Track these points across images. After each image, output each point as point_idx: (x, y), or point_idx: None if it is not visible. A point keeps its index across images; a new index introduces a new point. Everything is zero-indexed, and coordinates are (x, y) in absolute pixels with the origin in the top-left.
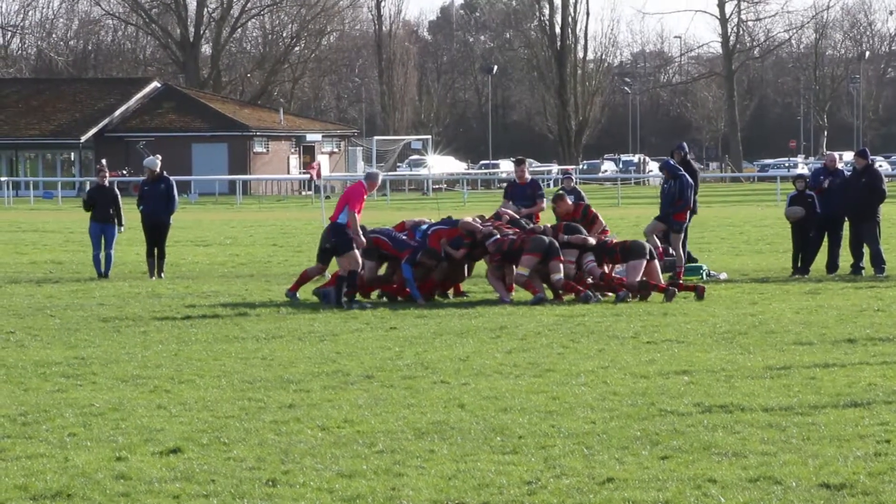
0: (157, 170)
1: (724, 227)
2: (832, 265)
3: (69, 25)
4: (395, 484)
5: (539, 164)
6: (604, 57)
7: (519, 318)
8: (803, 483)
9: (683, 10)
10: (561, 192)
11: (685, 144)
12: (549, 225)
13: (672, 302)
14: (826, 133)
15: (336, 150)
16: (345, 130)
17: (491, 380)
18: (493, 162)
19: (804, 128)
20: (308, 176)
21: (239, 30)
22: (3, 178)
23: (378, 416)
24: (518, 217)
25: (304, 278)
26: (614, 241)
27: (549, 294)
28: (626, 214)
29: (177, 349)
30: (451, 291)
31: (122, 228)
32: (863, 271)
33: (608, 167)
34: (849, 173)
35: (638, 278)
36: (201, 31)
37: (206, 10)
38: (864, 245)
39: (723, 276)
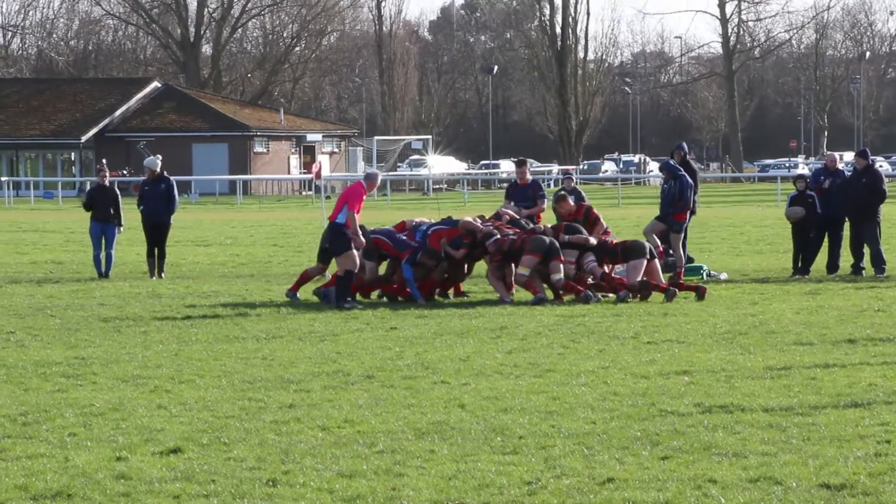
0: (158, 170)
1: (725, 228)
2: (832, 265)
3: (69, 25)
4: (395, 484)
5: (539, 164)
6: (604, 57)
7: (519, 318)
8: (803, 483)
9: (684, 11)
10: (563, 192)
11: (684, 144)
12: (548, 225)
13: (672, 302)
14: (826, 133)
15: (336, 150)
16: (345, 130)
17: (491, 380)
18: (493, 162)
19: (804, 128)
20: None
21: (239, 30)
22: (3, 178)
23: (378, 416)
24: (518, 217)
25: (305, 278)
26: (614, 241)
27: (550, 294)
28: (627, 215)
29: (177, 349)
30: (451, 291)
31: (122, 229)
32: (863, 272)
33: (609, 167)
34: (849, 174)
35: (639, 278)
36: (202, 31)
37: (206, 10)
38: (865, 245)
39: (723, 276)
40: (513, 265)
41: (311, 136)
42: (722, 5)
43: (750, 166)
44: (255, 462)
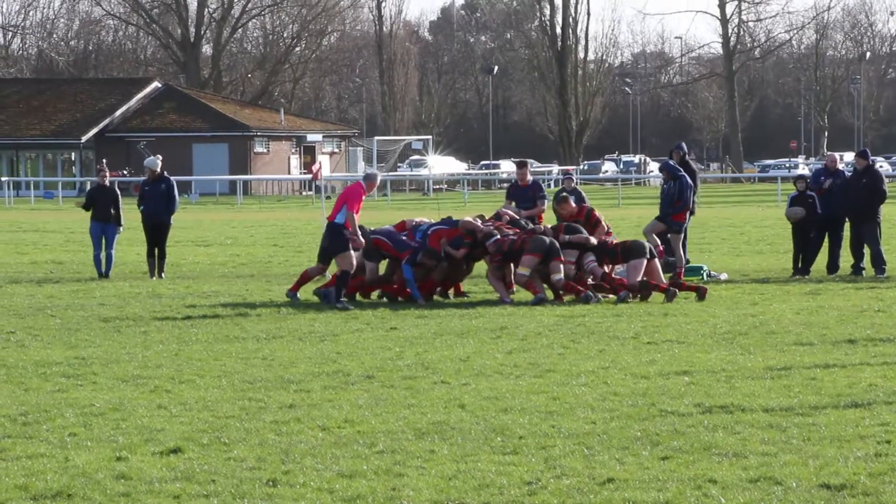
0: (158, 170)
1: (725, 228)
2: (833, 266)
3: (70, 25)
4: (395, 484)
5: (540, 164)
6: (604, 57)
7: (519, 318)
8: (804, 484)
9: (684, 11)
10: (564, 193)
11: (684, 144)
12: (549, 225)
13: (672, 302)
14: (827, 134)
15: (337, 150)
16: (345, 131)
17: (491, 380)
18: (493, 162)
19: (805, 128)
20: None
21: (240, 30)
22: (3, 178)
23: (378, 416)
24: (518, 218)
25: (305, 278)
26: (615, 241)
27: (550, 294)
28: (627, 215)
29: (177, 349)
30: (451, 291)
31: (121, 229)
32: (863, 272)
33: (609, 168)
34: (849, 174)
35: (639, 278)
36: (202, 32)
37: (206, 10)
38: (865, 246)
39: (723, 276)
40: (513, 265)
41: (311, 137)
42: (722, 6)
43: (750, 167)
44: (255, 462)
